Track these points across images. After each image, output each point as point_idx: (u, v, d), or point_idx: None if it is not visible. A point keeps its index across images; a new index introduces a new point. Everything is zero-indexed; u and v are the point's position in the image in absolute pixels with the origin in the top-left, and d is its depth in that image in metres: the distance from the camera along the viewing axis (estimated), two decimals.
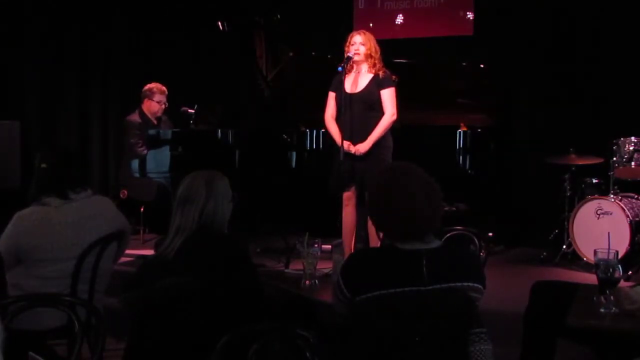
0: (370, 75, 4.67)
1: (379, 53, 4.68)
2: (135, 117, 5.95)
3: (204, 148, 5.34)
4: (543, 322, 2.84)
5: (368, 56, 4.64)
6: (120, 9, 6.98)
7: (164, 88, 6.04)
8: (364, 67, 4.68)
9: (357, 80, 4.68)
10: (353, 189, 4.68)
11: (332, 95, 4.75)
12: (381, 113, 4.64)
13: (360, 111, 4.60)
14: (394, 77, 4.69)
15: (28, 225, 3.02)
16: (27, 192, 3.13)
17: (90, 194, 3.15)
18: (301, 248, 3.32)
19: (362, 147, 4.58)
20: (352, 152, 4.54)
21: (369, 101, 4.63)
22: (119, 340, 3.17)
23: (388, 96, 4.64)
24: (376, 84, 4.64)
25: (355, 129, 4.57)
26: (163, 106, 6.04)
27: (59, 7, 6.50)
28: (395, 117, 4.66)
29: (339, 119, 4.71)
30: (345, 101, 4.52)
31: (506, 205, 6.26)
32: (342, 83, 4.62)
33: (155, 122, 6.05)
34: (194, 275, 2.52)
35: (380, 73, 4.64)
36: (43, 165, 3.08)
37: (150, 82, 6.09)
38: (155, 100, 5.99)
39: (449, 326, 2.09)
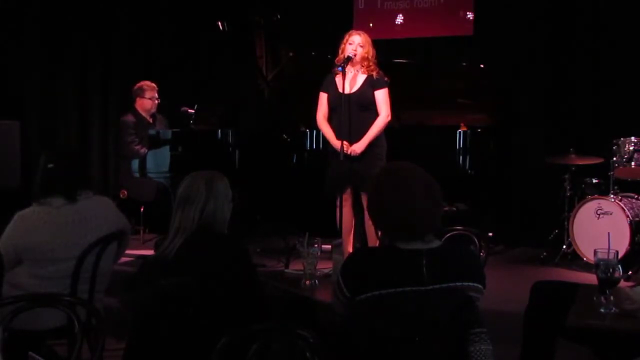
0: (364, 76, 4.67)
1: (374, 57, 4.68)
2: (129, 117, 5.96)
3: (204, 148, 5.35)
4: (543, 322, 2.84)
5: (364, 58, 4.64)
6: (120, 8, 6.98)
7: (153, 84, 6.07)
8: (358, 67, 4.68)
9: (351, 80, 4.67)
10: (349, 189, 4.69)
11: (323, 96, 4.75)
12: (375, 113, 4.64)
13: (354, 112, 4.60)
14: (386, 78, 4.69)
15: (28, 225, 3.01)
16: (28, 191, 3.13)
17: (90, 194, 3.15)
18: (301, 248, 3.31)
19: (358, 148, 4.58)
20: (348, 152, 4.55)
21: (363, 102, 4.63)
22: (119, 340, 3.17)
23: (382, 97, 4.65)
24: (370, 85, 4.64)
25: (350, 129, 4.58)
26: (156, 102, 6.06)
27: (59, 7, 6.49)
28: (389, 118, 4.67)
29: (331, 120, 4.71)
30: (340, 101, 4.52)
31: (506, 206, 6.27)
32: (334, 83, 4.62)
33: (150, 119, 6.06)
34: (194, 275, 2.52)
35: (374, 74, 4.65)
36: (50, 166, 3.07)
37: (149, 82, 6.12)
38: (147, 97, 6.02)
39: (449, 326, 2.09)
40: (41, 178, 3.08)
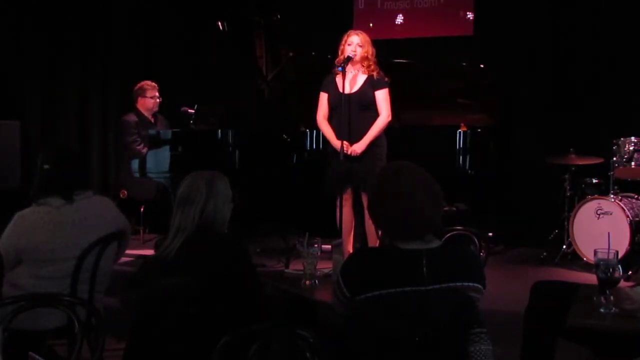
0: (365, 76, 4.68)
1: (374, 56, 4.69)
2: (131, 117, 5.98)
3: (204, 148, 5.35)
4: (543, 322, 2.84)
5: (364, 58, 4.65)
6: (120, 8, 6.98)
7: (154, 84, 6.10)
8: (359, 67, 4.68)
9: (352, 80, 4.68)
10: (350, 189, 4.69)
11: (323, 96, 4.76)
12: (376, 113, 4.65)
13: (355, 111, 4.61)
14: (387, 78, 4.69)
15: (28, 226, 3.01)
16: (28, 192, 3.12)
17: (90, 194, 3.15)
18: (301, 248, 3.31)
19: (358, 148, 4.59)
20: (349, 152, 4.55)
21: (364, 102, 4.64)
22: (119, 340, 3.17)
23: (382, 97, 4.65)
24: (371, 85, 4.65)
25: (350, 129, 4.58)
26: (157, 101, 6.08)
27: (59, 7, 6.49)
28: (390, 118, 4.67)
29: (331, 120, 4.72)
30: (341, 101, 4.53)
31: (506, 205, 6.27)
32: (334, 83, 4.62)
33: (152, 119, 6.07)
34: (194, 275, 2.52)
35: (375, 74, 4.65)
36: (46, 167, 3.07)
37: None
38: (148, 96, 6.04)
39: (449, 326, 2.09)
40: (38, 178, 3.08)
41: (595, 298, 2.47)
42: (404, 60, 5.87)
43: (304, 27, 6.95)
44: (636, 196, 5.33)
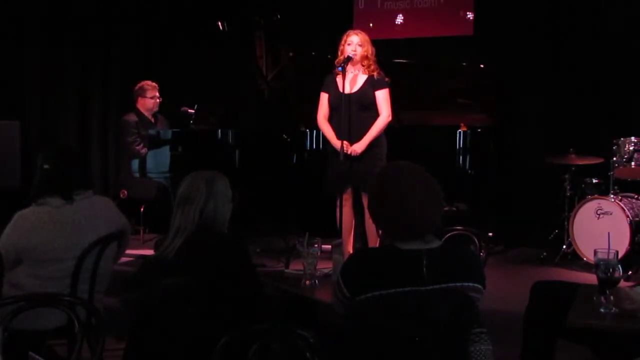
0: (365, 76, 4.68)
1: (374, 55, 4.69)
2: (132, 117, 5.99)
3: (204, 148, 5.35)
4: (543, 322, 2.84)
5: (364, 57, 4.65)
6: (120, 9, 6.98)
7: (154, 84, 6.11)
8: (359, 67, 4.68)
9: (352, 80, 4.68)
10: (350, 189, 4.70)
11: (324, 96, 4.76)
12: (376, 113, 4.65)
13: (355, 111, 4.61)
14: (387, 78, 4.70)
15: (28, 225, 3.01)
16: (28, 192, 3.12)
17: (90, 194, 3.15)
18: (301, 248, 3.30)
19: (358, 147, 4.59)
20: (348, 152, 4.55)
21: (364, 102, 4.64)
22: (119, 340, 3.17)
23: (383, 97, 4.65)
24: (371, 85, 4.65)
25: (351, 129, 4.58)
26: (157, 101, 6.09)
27: (59, 7, 6.49)
28: (390, 118, 4.68)
29: (332, 120, 4.72)
30: (341, 101, 4.53)
31: (506, 205, 6.27)
32: (334, 83, 4.63)
33: (152, 119, 6.08)
34: (194, 275, 2.52)
35: (375, 74, 4.66)
36: (46, 167, 3.07)
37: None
38: (148, 96, 6.06)
39: (449, 326, 2.09)
40: (38, 178, 3.08)
41: (595, 298, 2.46)
42: (404, 60, 5.87)
43: (304, 27, 6.95)
44: (636, 196, 5.34)
